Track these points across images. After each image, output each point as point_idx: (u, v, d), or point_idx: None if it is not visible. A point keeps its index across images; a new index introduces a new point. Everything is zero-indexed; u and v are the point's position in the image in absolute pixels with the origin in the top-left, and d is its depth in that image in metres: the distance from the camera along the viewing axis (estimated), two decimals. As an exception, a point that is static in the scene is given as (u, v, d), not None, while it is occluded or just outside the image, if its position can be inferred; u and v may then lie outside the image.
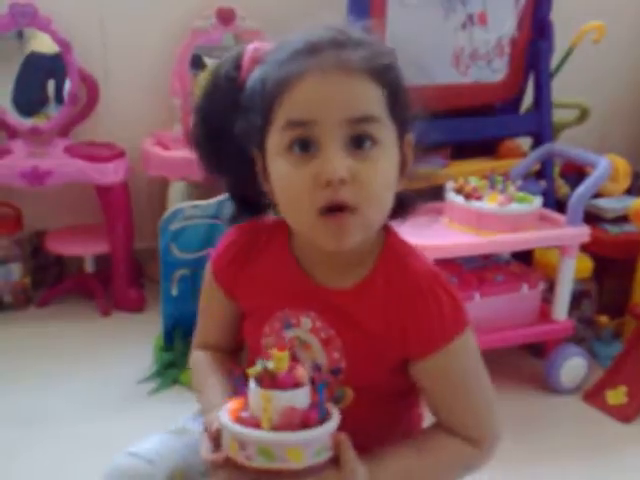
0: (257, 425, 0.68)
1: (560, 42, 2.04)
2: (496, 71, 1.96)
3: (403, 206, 0.79)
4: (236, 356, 0.91)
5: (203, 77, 2.11)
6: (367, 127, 0.71)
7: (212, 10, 2.14)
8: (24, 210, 2.16)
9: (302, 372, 0.70)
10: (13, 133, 2.10)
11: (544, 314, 1.76)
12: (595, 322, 1.93)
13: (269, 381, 0.69)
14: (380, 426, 0.82)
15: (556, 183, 2.07)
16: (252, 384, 0.70)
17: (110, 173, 2.04)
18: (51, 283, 2.23)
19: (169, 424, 0.92)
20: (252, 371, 0.71)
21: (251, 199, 0.83)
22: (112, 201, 2.07)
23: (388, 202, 0.74)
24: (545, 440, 1.61)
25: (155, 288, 2.11)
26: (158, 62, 2.18)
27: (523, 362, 1.89)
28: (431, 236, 1.63)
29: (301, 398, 0.69)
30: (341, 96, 0.70)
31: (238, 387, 0.73)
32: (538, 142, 2.00)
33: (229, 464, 0.69)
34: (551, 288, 1.75)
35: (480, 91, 1.96)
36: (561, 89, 2.10)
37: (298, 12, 2.12)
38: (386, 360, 0.78)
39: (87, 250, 2.16)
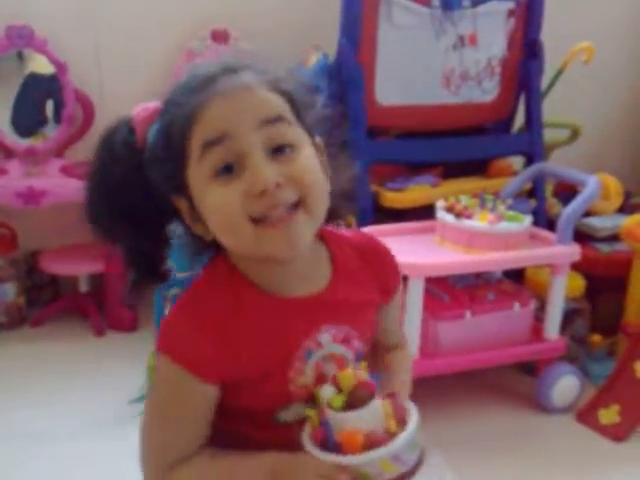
0: (390, 434, 0.70)
1: (551, 62, 2.06)
2: (487, 91, 1.98)
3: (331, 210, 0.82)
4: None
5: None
6: (281, 129, 0.72)
7: (207, 31, 2.17)
8: (19, 230, 2.18)
9: (363, 372, 0.74)
10: (9, 153, 2.12)
11: (536, 333, 1.76)
12: (588, 341, 1.93)
13: (360, 399, 0.70)
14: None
15: (549, 202, 2.08)
16: (350, 413, 0.69)
17: (104, 193, 2.04)
18: (45, 303, 2.24)
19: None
20: (335, 403, 0.70)
21: (152, 264, 0.82)
22: (106, 221, 2.08)
23: (326, 193, 0.75)
24: (537, 459, 1.60)
25: (148, 308, 2.11)
26: (153, 83, 2.19)
27: (515, 380, 1.89)
28: (422, 254, 1.64)
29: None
30: (248, 105, 0.71)
31: (327, 429, 0.71)
32: (530, 161, 2.01)
33: None
34: (543, 307, 1.75)
35: (471, 111, 1.98)
36: (553, 109, 2.12)
37: (291, 34, 2.15)
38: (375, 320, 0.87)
39: (81, 270, 2.17)
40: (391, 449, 0.68)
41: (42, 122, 2.15)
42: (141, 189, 0.76)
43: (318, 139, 0.79)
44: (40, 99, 2.15)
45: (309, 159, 0.74)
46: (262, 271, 0.77)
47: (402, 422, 0.71)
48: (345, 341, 0.80)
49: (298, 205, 0.71)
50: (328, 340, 0.78)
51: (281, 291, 0.77)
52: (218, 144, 0.70)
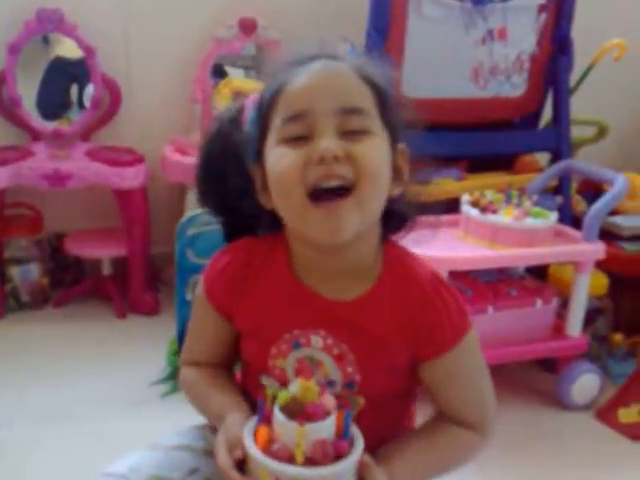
0: (290, 458, 0.68)
1: (580, 58, 2.04)
2: (515, 86, 1.97)
3: (402, 219, 0.81)
4: (229, 371, 0.90)
5: (220, 89, 2.14)
6: (358, 120, 0.73)
7: (234, 20, 2.17)
8: (45, 212, 2.20)
9: (330, 400, 0.71)
10: (36, 136, 2.14)
11: (558, 330, 1.76)
12: (609, 340, 1.92)
13: (299, 413, 0.69)
14: (386, 427, 0.83)
15: (573, 200, 2.06)
16: (280, 415, 0.70)
17: (129, 178, 2.06)
18: (69, 284, 2.26)
19: (180, 427, 0.93)
20: (280, 399, 0.70)
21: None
22: (130, 205, 2.10)
23: (383, 184, 0.74)
24: (556, 456, 1.60)
25: (170, 292, 2.13)
26: (180, 70, 2.21)
27: (536, 377, 1.89)
28: (446, 248, 1.63)
29: (330, 427, 0.70)
30: (333, 87, 0.74)
31: (261, 412, 0.72)
32: (556, 158, 2.00)
33: None
34: (565, 304, 1.74)
35: (499, 106, 1.97)
36: (581, 106, 2.10)
37: (319, 24, 2.15)
38: (397, 366, 0.80)
39: (105, 253, 2.19)
40: (271, 467, 0.68)
41: (67, 106, 2.17)
42: (238, 165, 0.80)
43: (402, 147, 0.79)
44: (66, 83, 2.17)
45: (375, 148, 0.74)
46: (308, 258, 0.79)
47: (313, 462, 0.68)
48: (339, 359, 0.79)
49: (349, 191, 0.71)
50: (319, 344, 0.78)
51: (310, 284, 0.79)
52: (297, 120, 0.73)
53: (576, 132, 2.10)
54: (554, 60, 1.99)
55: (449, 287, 0.80)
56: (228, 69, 2.24)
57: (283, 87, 0.74)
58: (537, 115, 2.08)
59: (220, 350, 0.87)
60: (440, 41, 1.85)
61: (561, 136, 2.01)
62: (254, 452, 0.70)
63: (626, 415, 1.69)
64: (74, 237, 2.22)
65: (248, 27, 2.18)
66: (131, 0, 2.16)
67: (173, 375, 1.81)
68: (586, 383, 1.74)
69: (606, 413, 1.72)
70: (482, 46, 1.90)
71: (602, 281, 1.88)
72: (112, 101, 2.18)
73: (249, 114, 0.82)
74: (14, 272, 2.13)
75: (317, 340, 0.78)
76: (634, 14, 2.44)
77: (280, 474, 0.68)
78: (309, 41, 0.79)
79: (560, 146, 2.00)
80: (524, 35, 1.94)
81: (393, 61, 1.80)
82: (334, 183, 0.71)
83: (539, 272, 1.88)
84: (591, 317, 1.83)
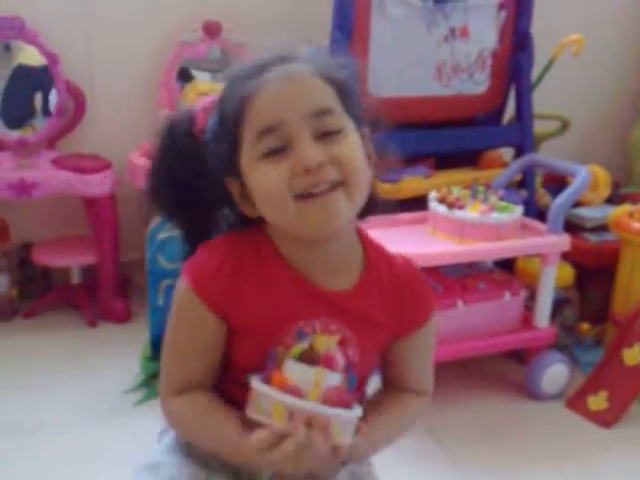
0: (304, 397, 0.72)
1: (541, 55, 2.08)
2: (478, 83, 2.00)
3: (372, 203, 0.83)
4: (213, 391, 0.83)
5: (186, 92, 2.13)
6: (330, 120, 0.75)
7: (199, 23, 2.17)
8: (11, 222, 2.17)
9: (341, 359, 0.78)
10: (0, 145, 2.11)
11: (526, 321, 1.79)
12: (577, 329, 1.96)
13: (315, 361, 0.75)
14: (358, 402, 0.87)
15: (538, 193, 2.10)
16: (295, 363, 0.75)
17: (96, 185, 2.05)
18: (38, 294, 2.23)
19: (154, 435, 0.92)
20: (294, 351, 0.76)
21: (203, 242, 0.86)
22: (98, 213, 2.08)
23: (366, 181, 0.78)
24: (527, 445, 1.63)
25: (141, 299, 2.12)
26: (145, 74, 2.20)
27: (506, 369, 1.92)
28: (415, 244, 1.66)
29: (341, 381, 0.75)
30: (299, 94, 0.75)
31: (270, 364, 0.76)
32: (520, 153, 2.03)
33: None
34: (533, 296, 1.78)
35: (462, 103, 2.00)
36: (542, 101, 2.14)
37: (283, 26, 2.15)
38: (382, 344, 0.86)
39: (74, 261, 2.17)
40: (288, 401, 0.71)
41: (30, 114, 2.14)
42: (198, 176, 0.81)
43: (365, 129, 0.80)
44: (29, 91, 2.14)
45: (354, 145, 0.76)
46: (297, 254, 0.80)
47: (326, 403, 0.73)
48: (341, 343, 0.81)
49: (339, 184, 0.74)
50: (321, 328, 0.80)
51: (307, 276, 0.80)
52: (271, 132, 0.74)
53: (539, 127, 2.14)
54: (515, 56, 2.02)
55: (420, 271, 0.87)
56: (195, 72, 2.23)
57: (248, 100, 0.75)
58: (500, 111, 2.12)
59: (214, 362, 0.81)
60: (404, 40, 1.87)
61: (524, 131, 2.04)
62: (268, 389, 0.72)
63: (595, 402, 1.73)
64: (42, 247, 2.19)
65: (213, 30, 2.18)
66: (93, 5, 2.14)
67: (147, 382, 1.80)
68: (556, 373, 1.78)
69: (576, 401, 1.76)
70: (444, 44, 1.92)
71: (568, 272, 1.92)
72: (77, 108, 2.16)
73: (209, 127, 0.80)
74: (-18, 284, 2.10)
75: (319, 324, 0.81)
76: (592, 10, 2.49)
77: (298, 409, 0.71)
78: (265, 46, 0.79)
79: (524, 141, 2.04)
80: (485, 32, 1.97)
81: (357, 61, 1.82)
82: (324, 187, 0.74)
83: (507, 265, 1.92)
84: (558, 308, 1.87)
